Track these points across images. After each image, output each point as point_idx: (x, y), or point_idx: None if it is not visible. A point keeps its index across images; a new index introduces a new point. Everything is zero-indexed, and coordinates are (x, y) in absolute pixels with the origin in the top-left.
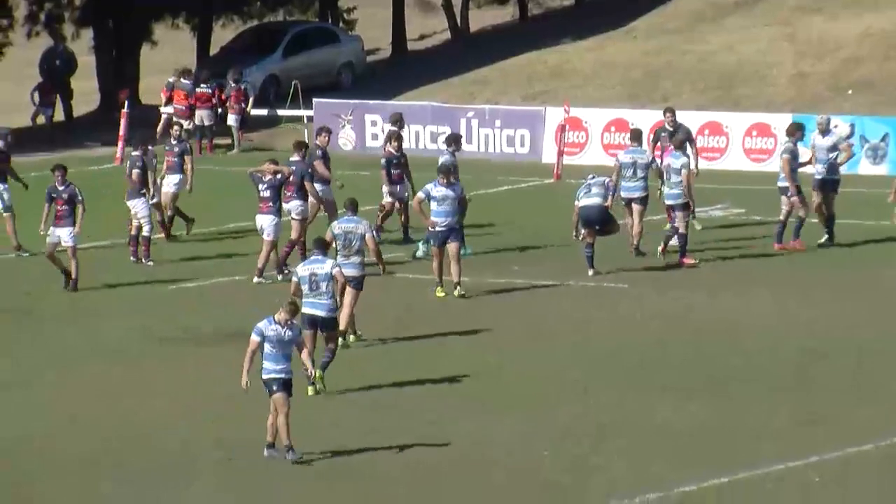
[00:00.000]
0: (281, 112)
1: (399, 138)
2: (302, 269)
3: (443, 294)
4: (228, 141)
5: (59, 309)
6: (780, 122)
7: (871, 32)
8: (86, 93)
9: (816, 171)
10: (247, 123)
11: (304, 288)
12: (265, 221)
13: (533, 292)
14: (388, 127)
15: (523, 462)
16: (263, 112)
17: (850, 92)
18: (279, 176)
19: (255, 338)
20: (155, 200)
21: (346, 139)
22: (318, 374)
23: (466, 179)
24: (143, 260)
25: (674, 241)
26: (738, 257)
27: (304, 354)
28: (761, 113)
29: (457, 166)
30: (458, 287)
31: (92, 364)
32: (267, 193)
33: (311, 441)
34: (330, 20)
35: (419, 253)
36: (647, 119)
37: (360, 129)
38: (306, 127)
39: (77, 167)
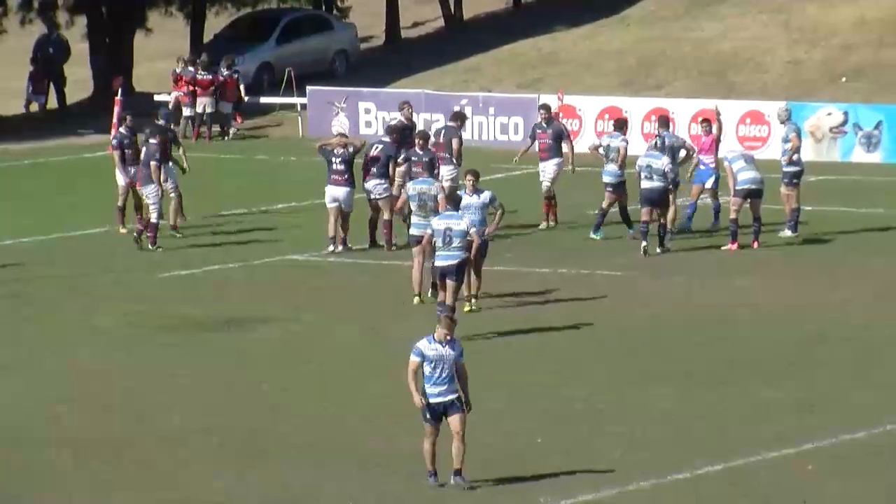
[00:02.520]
0: (275, 100)
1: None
2: (437, 223)
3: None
4: (220, 128)
5: (52, 294)
6: (774, 109)
7: (866, 20)
8: (79, 80)
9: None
10: (240, 110)
11: (438, 241)
12: (340, 193)
13: (526, 279)
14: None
15: (517, 448)
16: (257, 100)
17: (843, 79)
18: (350, 149)
19: (414, 358)
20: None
21: (339, 127)
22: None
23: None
24: (150, 246)
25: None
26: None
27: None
28: (755, 100)
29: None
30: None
31: (85, 350)
32: (341, 166)
33: (305, 428)
34: (324, 8)
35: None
36: (640, 107)
37: (354, 116)
38: (300, 115)
39: (70, 154)
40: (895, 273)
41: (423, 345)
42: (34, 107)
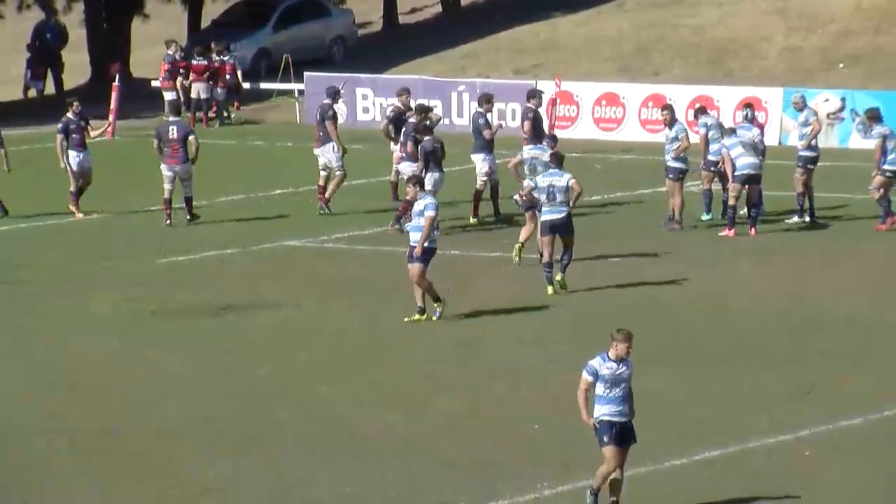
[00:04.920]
0: (272, 86)
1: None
2: (542, 181)
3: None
4: (215, 114)
5: (49, 280)
6: (771, 95)
7: (863, 6)
8: (77, 66)
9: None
10: (240, 96)
11: (542, 198)
12: (406, 169)
13: (522, 265)
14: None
15: (514, 434)
16: (256, 85)
17: (841, 66)
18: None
19: (586, 377)
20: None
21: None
22: (559, 277)
23: (456, 153)
24: (187, 221)
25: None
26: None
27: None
28: (752, 87)
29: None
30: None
31: (83, 339)
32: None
33: (302, 415)
34: None
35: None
36: (637, 93)
37: (352, 102)
38: (298, 101)
39: None
40: (893, 259)
41: (598, 363)
42: (32, 93)
